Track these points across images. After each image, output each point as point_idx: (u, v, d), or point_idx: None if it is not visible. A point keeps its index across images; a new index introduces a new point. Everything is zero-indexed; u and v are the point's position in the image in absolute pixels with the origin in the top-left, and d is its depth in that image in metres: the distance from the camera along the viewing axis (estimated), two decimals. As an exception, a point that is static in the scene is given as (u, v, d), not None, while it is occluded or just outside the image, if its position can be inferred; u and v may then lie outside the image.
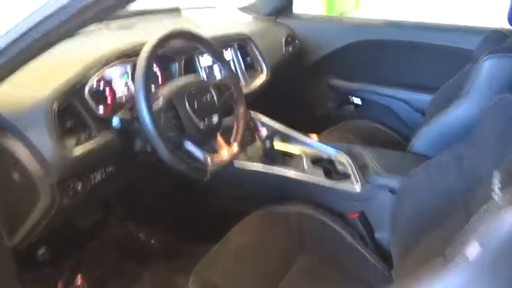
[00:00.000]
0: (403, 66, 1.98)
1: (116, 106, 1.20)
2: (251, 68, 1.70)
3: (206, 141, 1.17)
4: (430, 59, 1.91)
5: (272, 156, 1.46)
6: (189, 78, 1.17)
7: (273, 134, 1.47)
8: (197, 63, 1.46)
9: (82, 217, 1.45)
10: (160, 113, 1.04)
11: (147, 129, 1.00)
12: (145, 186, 1.58)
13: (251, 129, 1.57)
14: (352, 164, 1.42)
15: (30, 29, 0.78)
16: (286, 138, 1.58)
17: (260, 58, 1.71)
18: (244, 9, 2.18)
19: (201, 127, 1.11)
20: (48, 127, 0.96)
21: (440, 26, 1.93)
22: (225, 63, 1.27)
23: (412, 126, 1.96)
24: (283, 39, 1.98)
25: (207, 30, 1.59)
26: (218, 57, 1.26)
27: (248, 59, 1.70)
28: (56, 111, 0.99)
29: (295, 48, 2.04)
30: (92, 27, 1.43)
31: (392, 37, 1.95)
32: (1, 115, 0.95)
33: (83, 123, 1.08)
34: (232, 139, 1.24)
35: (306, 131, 2.19)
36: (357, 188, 1.32)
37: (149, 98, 1.01)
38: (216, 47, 1.24)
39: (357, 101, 2.09)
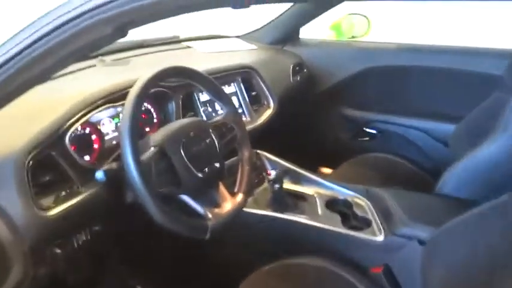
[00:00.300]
0: (422, 94, 1.83)
1: (105, 153, 1.07)
2: (257, 102, 1.56)
3: (206, 192, 1.01)
4: (452, 85, 1.76)
5: (282, 200, 1.31)
6: (184, 121, 1.03)
7: (282, 174, 1.32)
8: (196, 99, 1.32)
9: (70, 273, 1.29)
10: (151, 164, 0.90)
11: (133, 183, 0.85)
12: (141, 236, 1.43)
13: (258, 170, 1.42)
14: (373, 209, 1.26)
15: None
16: (297, 178, 1.42)
17: (266, 91, 1.58)
18: (247, 38, 2.06)
19: (200, 177, 0.96)
20: (19, 185, 0.83)
21: (462, 49, 1.78)
22: (226, 101, 1.12)
23: (434, 158, 1.80)
24: (290, 68, 1.84)
25: (208, 63, 1.47)
26: (218, 95, 1.12)
27: (253, 92, 1.56)
28: (29, 165, 0.86)
29: (304, 77, 1.91)
30: (83, 63, 1.33)
31: (409, 62, 1.80)
32: (-35, 172, 0.82)
33: (64, 176, 0.95)
34: (236, 188, 1.09)
35: (318, 166, 2.06)
36: (380, 238, 1.16)
37: (136, 146, 0.87)
38: (215, 83, 1.10)
39: (373, 132, 1.93)
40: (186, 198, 0.97)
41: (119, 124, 1.12)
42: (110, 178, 0.94)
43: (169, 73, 0.99)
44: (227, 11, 0.73)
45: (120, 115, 1.12)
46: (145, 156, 0.90)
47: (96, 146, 1.06)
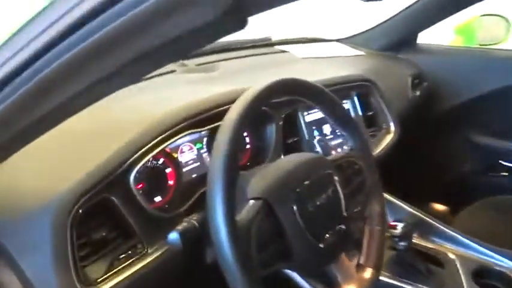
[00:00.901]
0: None
1: (181, 191, 0.78)
2: (373, 125, 1.21)
3: (324, 267, 0.69)
4: None
5: (410, 265, 0.95)
6: (299, 159, 0.70)
7: (411, 229, 0.96)
8: (301, 120, 1.00)
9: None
10: (250, 228, 0.58)
11: (225, 263, 0.55)
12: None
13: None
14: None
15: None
16: (429, 232, 1.06)
17: (386, 110, 1.22)
18: (350, 42, 1.71)
19: (320, 248, 0.63)
20: (57, 249, 0.57)
21: None
22: (353, 130, 0.78)
23: None
24: (409, 81, 1.48)
25: (314, 73, 1.14)
26: (345, 123, 0.77)
27: (369, 111, 1.21)
28: (76, 217, 0.58)
29: (424, 91, 1.53)
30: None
31: None
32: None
33: (124, 230, 0.66)
34: (363, 259, 0.74)
35: (435, 203, 1.67)
36: None
37: (233, 204, 0.55)
38: (342, 106, 0.77)
39: None
40: (295, 276, 0.65)
41: (201, 151, 0.83)
42: (187, 241, 0.64)
43: (288, 87, 0.67)
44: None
45: (204, 139, 0.84)
46: (242, 216, 0.59)
47: (171, 182, 0.78)
